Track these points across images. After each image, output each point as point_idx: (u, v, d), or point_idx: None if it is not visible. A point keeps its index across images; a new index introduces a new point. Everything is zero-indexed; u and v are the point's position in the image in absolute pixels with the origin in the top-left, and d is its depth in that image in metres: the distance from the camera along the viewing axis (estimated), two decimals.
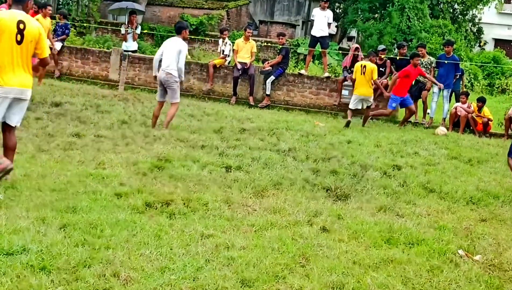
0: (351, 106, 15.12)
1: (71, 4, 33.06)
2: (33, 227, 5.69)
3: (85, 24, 29.52)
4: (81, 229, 5.78)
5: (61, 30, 19.37)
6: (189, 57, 19.97)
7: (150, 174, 8.29)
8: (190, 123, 12.75)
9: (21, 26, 6.75)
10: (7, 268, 4.71)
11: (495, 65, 31.84)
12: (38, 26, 7.04)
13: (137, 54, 19.55)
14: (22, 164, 6.55)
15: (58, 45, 18.84)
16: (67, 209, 6.35)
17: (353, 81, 15.38)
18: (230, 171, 8.91)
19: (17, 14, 6.85)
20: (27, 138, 9.59)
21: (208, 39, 31.36)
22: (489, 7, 41.38)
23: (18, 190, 6.88)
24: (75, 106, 13.16)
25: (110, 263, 5.02)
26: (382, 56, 17.31)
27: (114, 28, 30.38)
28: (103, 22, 32.45)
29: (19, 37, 6.75)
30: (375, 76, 14.83)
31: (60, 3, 33.41)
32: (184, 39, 11.83)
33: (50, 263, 4.89)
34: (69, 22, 20.64)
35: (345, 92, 17.32)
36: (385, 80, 17.15)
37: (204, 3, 36.41)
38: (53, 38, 18.76)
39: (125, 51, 18.81)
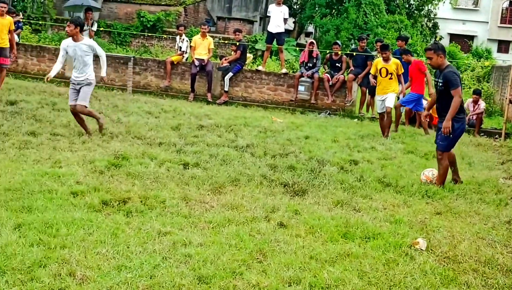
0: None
1: (26, 0, 32.59)
2: None
3: (40, 22, 29.13)
4: (37, 228, 5.72)
5: (16, 26, 19.06)
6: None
7: (107, 172, 8.24)
8: (147, 120, 12.68)
9: None
10: None
11: (450, 60, 32.20)
12: None
13: None
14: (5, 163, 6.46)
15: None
16: (22, 209, 6.28)
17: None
18: (188, 168, 8.90)
19: None
20: None
21: (165, 36, 31.22)
22: (444, 2, 41.91)
23: None
24: (30, 104, 12.99)
25: (66, 263, 4.99)
26: (338, 52, 17.45)
27: None
28: (59, 19, 32.03)
29: None
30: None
31: (16, 0, 32.93)
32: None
33: (5, 263, 4.84)
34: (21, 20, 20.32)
35: (301, 88, 17.40)
36: (342, 76, 17.31)
37: None
38: None
39: None
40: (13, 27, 15.54)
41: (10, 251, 5.07)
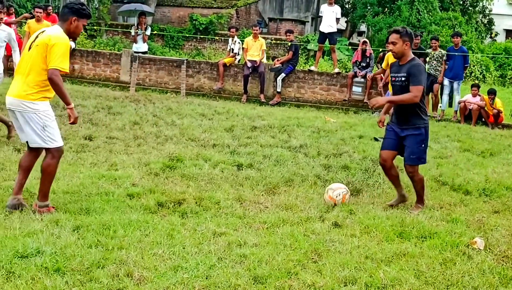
0: None
1: None
2: (47, 229, 5.74)
3: (95, 27, 29.63)
4: (94, 230, 5.82)
5: None
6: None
7: (162, 174, 8.34)
8: (201, 122, 12.77)
9: None
10: (22, 271, 4.75)
11: (507, 56, 31.62)
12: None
13: (147, 55, 19.60)
14: (35, 167, 6.58)
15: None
16: (80, 211, 6.40)
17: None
18: (242, 169, 8.94)
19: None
20: None
21: (217, 38, 31.37)
22: None
23: (32, 193, 6.94)
24: (87, 108, 13.22)
25: (123, 263, 5.06)
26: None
27: (124, 30, 30.47)
28: (114, 24, 32.55)
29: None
30: None
31: None
32: None
33: (64, 264, 4.94)
34: None
35: (357, 89, 17.29)
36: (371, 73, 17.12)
37: (213, 2, 36.45)
38: None
39: (135, 52, 18.85)
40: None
41: (69, 252, 5.17)
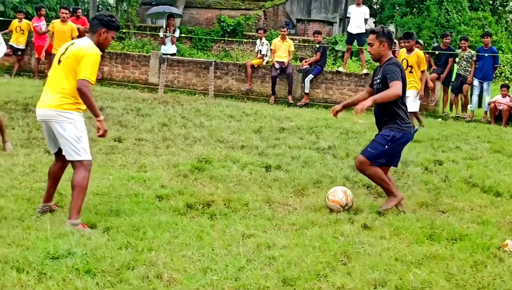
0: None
1: (110, 9, 33.43)
2: (77, 231, 5.79)
3: (124, 30, 29.81)
4: (124, 232, 5.87)
5: None
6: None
7: (191, 176, 8.37)
8: (229, 123, 12.79)
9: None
10: (53, 272, 4.80)
11: None
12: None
13: (175, 57, 19.70)
14: (66, 169, 6.63)
15: None
16: (110, 213, 6.45)
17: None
18: (270, 171, 8.94)
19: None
20: None
21: (245, 40, 31.40)
22: None
23: (62, 194, 7.01)
24: (116, 110, 13.30)
25: (153, 265, 5.08)
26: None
27: (152, 32, 30.63)
28: (142, 26, 32.74)
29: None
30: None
31: (100, 9, 33.80)
32: None
33: (95, 266, 4.97)
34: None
35: None
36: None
37: (241, 3, 36.51)
38: None
39: (164, 54, 18.95)
40: (76, 33, 15.81)
41: (99, 253, 5.21)
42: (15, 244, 5.39)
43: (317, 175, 8.74)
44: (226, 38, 31.92)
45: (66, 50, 6.23)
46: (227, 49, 31.94)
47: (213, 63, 18.38)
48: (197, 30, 32.92)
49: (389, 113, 7.08)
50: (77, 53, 6.07)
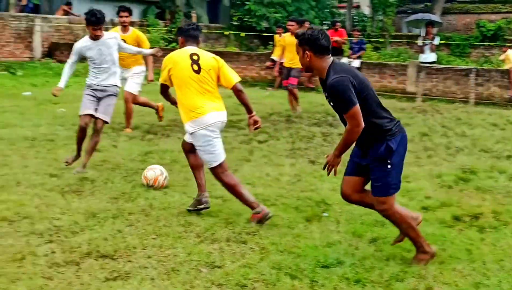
0: None
1: (366, 20, 33.74)
2: (345, 240, 5.89)
3: (379, 39, 29.91)
4: (390, 242, 5.84)
5: (357, 46, 20.01)
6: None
7: (455, 187, 8.15)
8: (493, 132, 12.28)
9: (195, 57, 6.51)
10: (325, 280, 4.90)
11: None
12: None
13: (434, 65, 19.36)
14: (329, 179, 6.77)
15: (356, 63, 19.34)
16: (376, 223, 6.46)
17: None
18: None
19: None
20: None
21: (508, 44, 29.93)
22: None
23: (328, 204, 7.17)
24: None
25: (422, 278, 5.00)
26: None
27: (408, 40, 30.38)
28: (398, 35, 32.62)
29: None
30: None
31: (356, 20, 34.27)
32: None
33: (364, 276, 5.01)
34: (364, 38, 21.07)
35: None
36: None
37: (502, 7, 34.95)
38: (351, 55, 19.48)
39: (422, 62, 18.73)
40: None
41: (368, 264, 5.25)
42: (286, 251, 5.60)
43: None
44: (486, 43, 30.71)
45: (197, 60, 6.50)
46: (486, 54, 30.70)
47: (474, 70, 17.79)
48: (454, 36, 32.07)
49: (371, 130, 5.29)
50: (215, 63, 6.57)
